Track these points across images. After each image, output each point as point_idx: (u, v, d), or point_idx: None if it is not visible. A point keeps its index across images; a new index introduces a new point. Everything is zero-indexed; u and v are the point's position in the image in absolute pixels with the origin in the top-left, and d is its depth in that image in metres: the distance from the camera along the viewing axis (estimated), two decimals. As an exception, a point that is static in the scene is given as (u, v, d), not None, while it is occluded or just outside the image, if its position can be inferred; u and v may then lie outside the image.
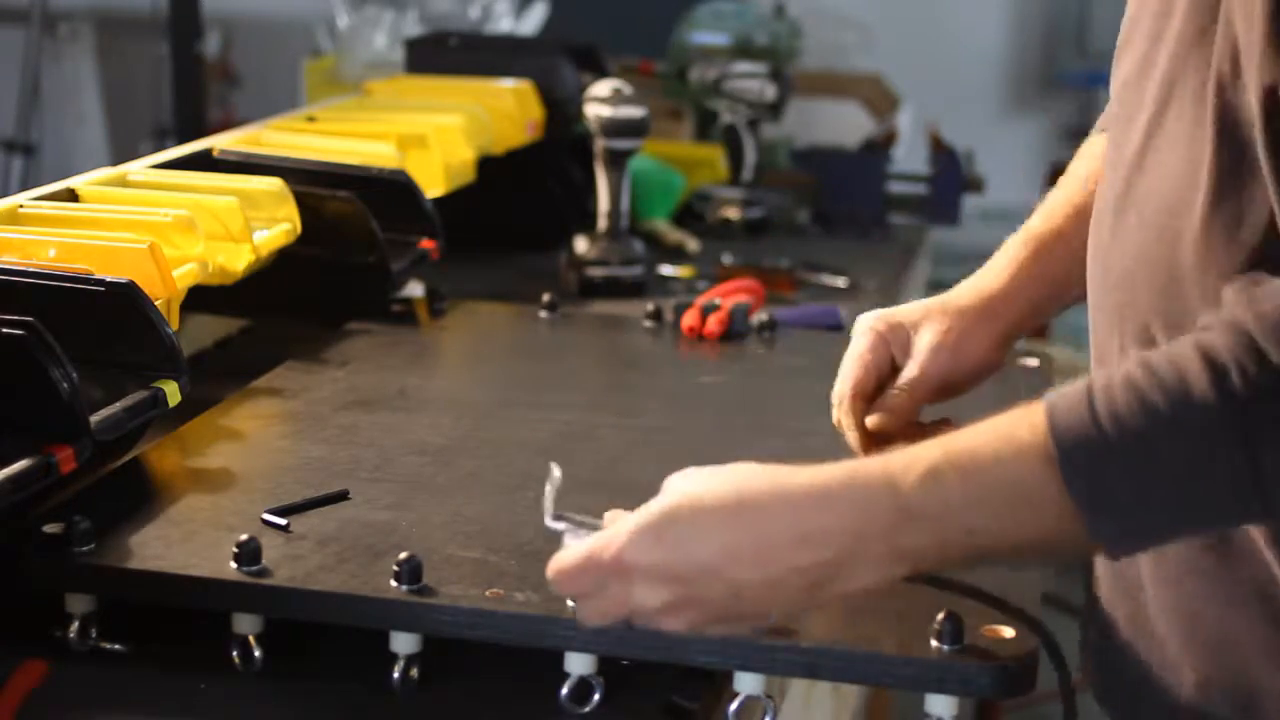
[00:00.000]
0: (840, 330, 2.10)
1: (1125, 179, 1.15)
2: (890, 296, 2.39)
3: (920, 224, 2.99)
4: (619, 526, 1.06)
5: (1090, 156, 1.39)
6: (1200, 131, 1.08)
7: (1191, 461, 0.99)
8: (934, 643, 1.11)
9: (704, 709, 1.15)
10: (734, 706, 1.14)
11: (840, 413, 1.34)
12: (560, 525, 1.11)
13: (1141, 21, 1.18)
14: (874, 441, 1.31)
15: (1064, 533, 1.01)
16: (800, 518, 1.03)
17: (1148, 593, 1.17)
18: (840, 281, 2.36)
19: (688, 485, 1.06)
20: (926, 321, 1.35)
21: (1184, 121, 1.10)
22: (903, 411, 1.32)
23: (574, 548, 1.07)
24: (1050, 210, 1.38)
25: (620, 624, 1.08)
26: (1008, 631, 1.13)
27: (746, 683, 1.14)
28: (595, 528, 1.10)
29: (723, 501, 1.04)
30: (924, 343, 1.34)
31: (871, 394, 1.33)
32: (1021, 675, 1.10)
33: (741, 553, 1.03)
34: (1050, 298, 1.36)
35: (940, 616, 1.11)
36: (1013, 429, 1.02)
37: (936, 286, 3.38)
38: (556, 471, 1.12)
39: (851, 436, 1.33)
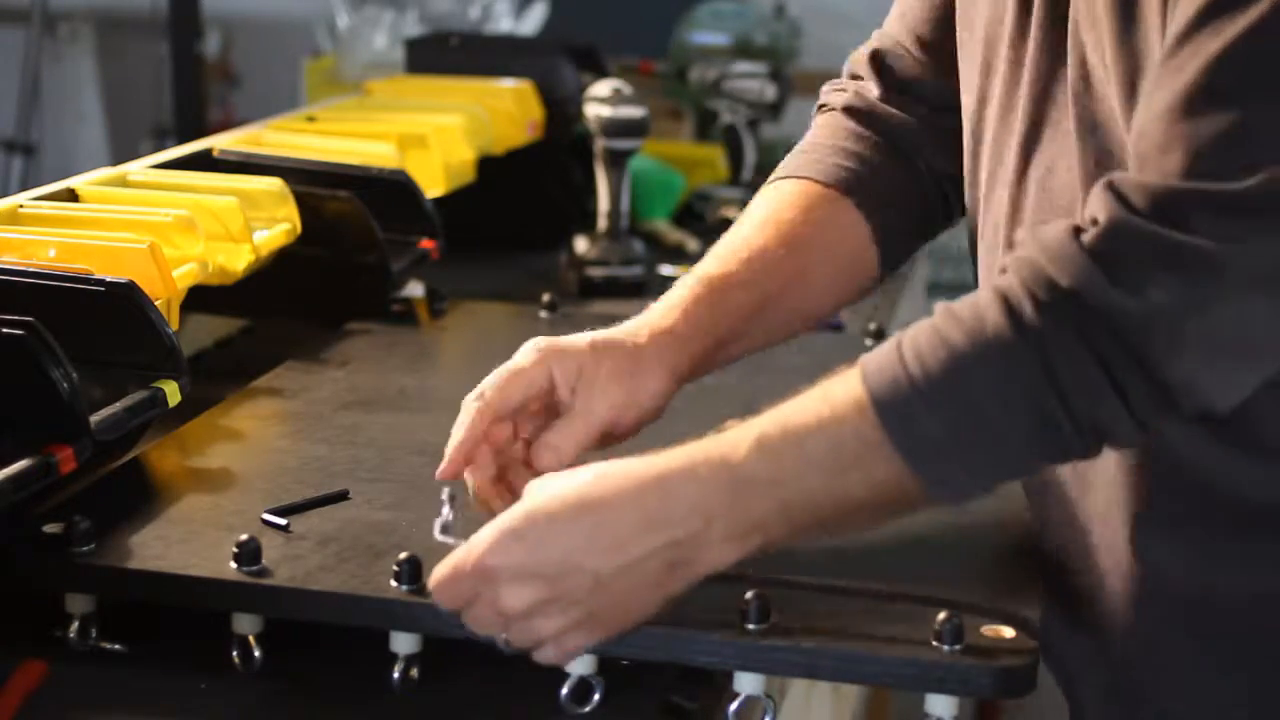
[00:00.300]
0: (840, 330, 2.10)
1: (1010, 201, 1.20)
2: (890, 296, 2.39)
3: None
4: (481, 533, 1.08)
5: (774, 202, 1.36)
6: (1070, 142, 1.14)
7: (997, 394, 1.02)
8: (934, 643, 1.11)
9: (704, 709, 1.15)
10: (734, 706, 1.14)
11: (466, 414, 1.23)
12: (448, 539, 1.16)
13: (999, 48, 1.22)
14: (467, 454, 1.22)
15: (897, 484, 1.04)
16: (644, 503, 1.06)
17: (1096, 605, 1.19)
18: (840, 281, 2.35)
19: (545, 488, 1.09)
20: (599, 357, 1.24)
21: (1057, 138, 1.15)
22: (565, 453, 1.22)
23: (445, 560, 1.10)
24: (724, 254, 1.32)
25: (501, 638, 1.10)
26: (1008, 632, 1.13)
27: (746, 683, 1.13)
28: None
29: (575, 497, 1.07)
30: (597, 380, 1.24)
31: (509, 412, 1.23)
32: (1021, 676, 1.10)
33: (596, 543, 1.06)
34: (723, 341, 1.30)
35: (940, 617, 1.11)
36: (831, 389, 1.06)
37: (936, 287, 3.37)
38: (446, 492, 1.19)
39: (456, 438, 1.23)
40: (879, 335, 1.85)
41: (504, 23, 3.54)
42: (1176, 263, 0.99)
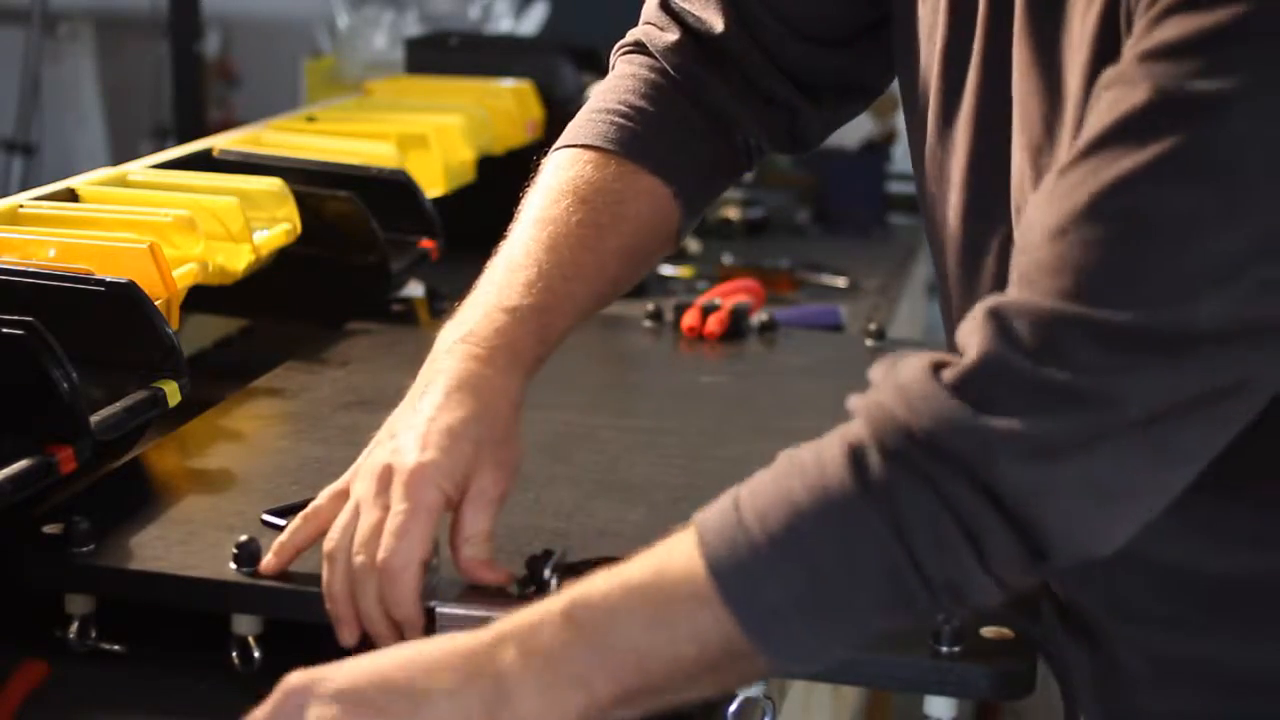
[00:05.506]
0: (840, 330, 2.10)
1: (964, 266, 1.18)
2: (890, 296, 2.40)
3: (920, 224, 2.99)
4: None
5: (577, 180, 1.35)
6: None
7: (841, 553, 0.94)
8: (933, 644, 1.11)
9: (704, 709, 1.15)
10: (734, 707, 1.14)
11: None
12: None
13: (929, 91, 1.18)
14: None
15: (733, 649, 0.95)
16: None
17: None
18: (840, 281, 2.36)
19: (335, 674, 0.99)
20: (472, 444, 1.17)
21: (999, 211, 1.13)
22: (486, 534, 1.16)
23: None
24: (523, 264, 1.31)
25: None
26: (1007, 633, 1.13)
27: (746, 683, 1.14)
28: None
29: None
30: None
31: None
32: (1020, 677, 1.10)
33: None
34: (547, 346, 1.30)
35: (940, 618, 1.11)
36: (670, 547, 0.98)
37: (936, 287, 3.36)
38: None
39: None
40: (879, 335, 1.85)
41: (504, 23, 3.54)
42: (1053, 402, 0.92)
